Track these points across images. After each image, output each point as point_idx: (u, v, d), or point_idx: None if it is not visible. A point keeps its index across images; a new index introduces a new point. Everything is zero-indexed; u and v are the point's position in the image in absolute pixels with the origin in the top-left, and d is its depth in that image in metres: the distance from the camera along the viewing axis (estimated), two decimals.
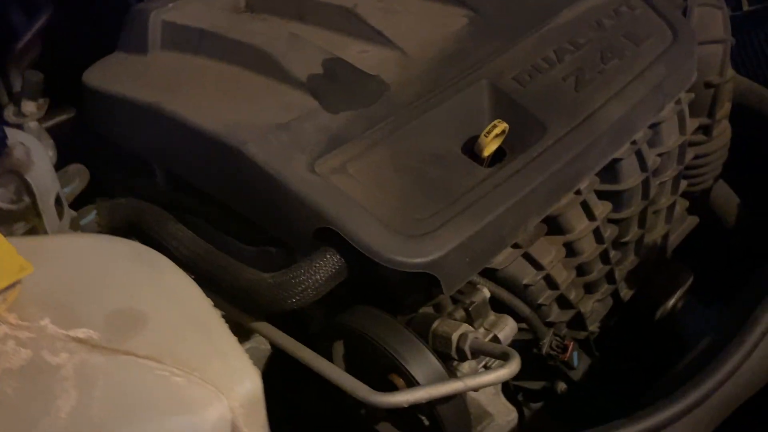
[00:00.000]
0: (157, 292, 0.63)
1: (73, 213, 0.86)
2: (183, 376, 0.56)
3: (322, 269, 0.69)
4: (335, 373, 0.68)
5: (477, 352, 0.70)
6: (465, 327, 0.71)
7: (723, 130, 1.15)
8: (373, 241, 0.67)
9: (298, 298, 0.69)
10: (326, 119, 0.77)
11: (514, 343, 0.89)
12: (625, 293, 1.01)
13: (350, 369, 0.79)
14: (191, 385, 0.56)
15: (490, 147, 0.80)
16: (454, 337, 0.71)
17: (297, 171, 0.72)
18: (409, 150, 0.78)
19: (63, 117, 0.99)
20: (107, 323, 0.59)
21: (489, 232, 0.73)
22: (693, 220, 1.12)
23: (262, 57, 0.83)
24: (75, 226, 0.86)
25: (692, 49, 0.98)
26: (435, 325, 0.73)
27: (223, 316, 0.79)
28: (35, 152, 0.74)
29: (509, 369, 0.64)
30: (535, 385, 0.92)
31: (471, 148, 0.81)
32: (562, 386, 0.90)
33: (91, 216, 0.88)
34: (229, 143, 0.74)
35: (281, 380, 0.87)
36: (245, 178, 0.74)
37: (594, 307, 0.96)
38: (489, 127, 0.80)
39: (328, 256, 0.69)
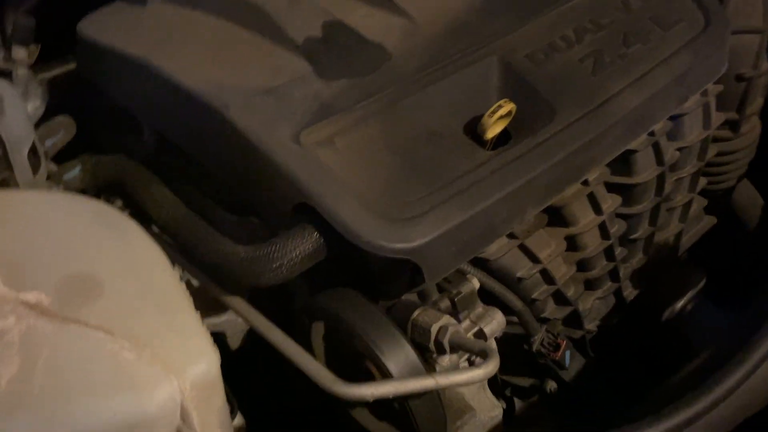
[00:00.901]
0: (118, 259, 0.59)
1: (54, 167, 0.83)
2: (133, 351, 0.53)
3: (298, 247, 0.65)
4: (302, 358, 0.64)
5: (456, 347, 0.66)
6: (446, 319, 0.67)
7: (752, 127, 1.08)
8: (352, 222, 0.63)
9: (271, 275, 0.65)
10: (318, 86, 0.73)
11: (505, 337, 0.85)
12: (630, 293, 0.96)
13: (329, 351, 0.75)
14: (140, 362, 0.53)
15: (493, 129, 0.75)
16: (434, 328, 0.66)
17: (280, 140, 0.67)
18: (404, 126, 0.73)
19: (62, 69, 0.95)
20: (60, 288, 0.56)
21: (480, 220, 0.68)
22: (710, 221, 1.06)
23: (259, 15, 0.78)
24: (57, 180, 0.83)
25: (724, 37, 0.91)
26: (415, 314, 0.69)
27: (198, 287, 0.76)
28: (9, 101, 0.70)
29: (485, 369, 0.60)
30: (525, 381, 0.88)
31: (474, 129, 0.76)
32: (552, 385, 0.85)
33: (75, 171, 0.84)
34: (211, 104, 0.70)
35: (262, 355, 0.84)
36: (226, 144, 0.70)
37: (594, 305, 0.91)
38: (494, 106, 0.74)
39: (306, 234, 0.65)
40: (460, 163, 0.71)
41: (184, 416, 0.53)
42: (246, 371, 0.85)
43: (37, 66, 0.91)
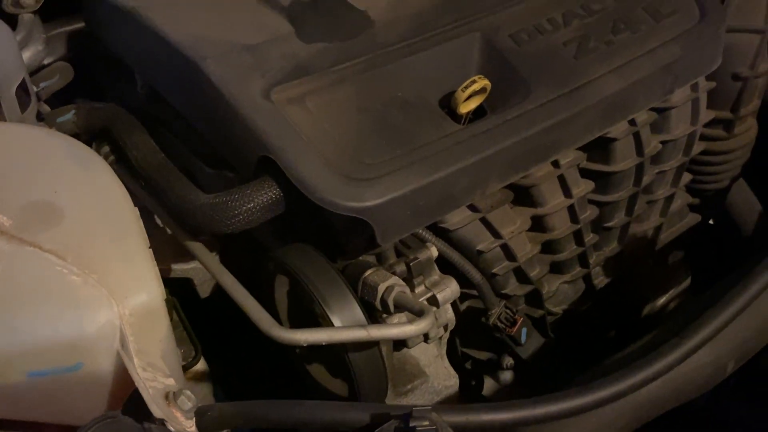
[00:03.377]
0: (80, 191, 0.62)
1: (48, 108, 0.86)
2: (80, 275, 0.56)
3: (257, 198, 0.67)
4: (247, 301, 0.67)
5: (401, 306, 0.68)
6: (394, 279, 0.69)
7: (747, 129, 1.07)
8: (308, 177, 0.65)
9: (228, 223, 0.68)
10: (296, 47, 0.75)
11: (467, 311, 0.87)
12: (601, 280, 0.97)
13: (291, 306, 0.78)
14: (86, 286, 0.56)
15: (467, 104, 0.76)
16: (381, 287, 0.69)
17: (250, 95, 0.70)
18: (377, 93, 0.74)
19: (70, 26, 0.98)
20: (22, 213, 0.59)
21: (438, 188, 0.69)
22: (694, 218, 1.06)
23: None
24: (50, 123, 0.86)
25: (718, 33, 0.90)
26: (367, 273, 0.71)
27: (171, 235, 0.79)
28: (1, 37, 0.73)
29: (416, 326, 0.62)
30: (482, 355, 0.90)
31: (449, 104, 0.77)
32: (508, 361, 0.87)
33: (68, 115, 0.88)
34: (189, 56, 0.72)
35: (230, 307, 0.87)
36: (201, 95, 0.72)
37: (561, 288, 0.92)
38: (467, 81, 0.75)
39: (265, 186, 0.68)
40: (427, 132, 0.73)
41: (123, 341, 0.56)
42: (213, 320, 0.88)
43: (47, 22, 0.94)
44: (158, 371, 0.57)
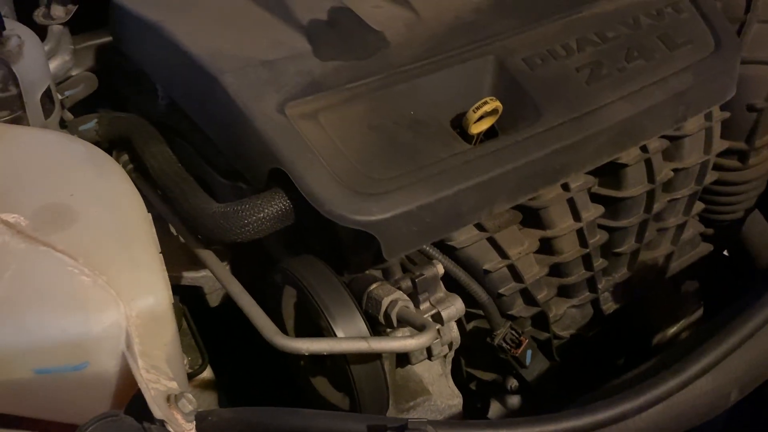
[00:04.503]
0: (96, 195, 0.64)
1: (71, 116, 0.89)
2: (90, 277, 0.58)
3: (267, 208, 0.69)
4: (253, 309, 0.68)
5: (404, 321, 0.69)
6: (398, 294, 0.70)
7: (762, 160, 1.07)
8: (317, 190, 0.67)
9: (238, 232, 0.69)
10: (312, 64, 0.77)
11: (472, 330, 0.87)
12: (609, 306, 0.96)
13: (299, 319, 0.79)
14: (95, 287, 0.57)
15: (478, 125, 0.77)
16: (384, 301, 0.69)
17: (265, 109, 0.71)
18: (389, 111, 0.76)
19: (97, 40, 1.01)
20: (38, 214, 0.61)
21: (445, 206, 0.70)
22: (706, 248, 1.05)
23: None
24: (72, 130, 0.89)
25: (733, 64, 0.91)
26: (372, 287, 0.72)
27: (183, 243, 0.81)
28: (29, 46, 0.76)
29: (417, 341, 0.63)
30: (487, 376, 0.90)
31: (461, 124, 0.78)
32: (512, 382, 0.87)
33: (90, 124, 0.91)
34: (209, 70, 0.74)
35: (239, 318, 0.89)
36: (218, 108, 0.74)
37: (568, 312, 0.92)
38: (479, 102, 0.77)
39: (276, 197, 0.69)
40: (437, 151, 0.74)
41: (128, 342, 0.57)
42: (220, 330, 0.89)
43: (75, 35, 0.98)
44: (162, 374, 0.58)
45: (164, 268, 0.62)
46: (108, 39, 0.99)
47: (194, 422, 0.57)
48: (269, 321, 0.67)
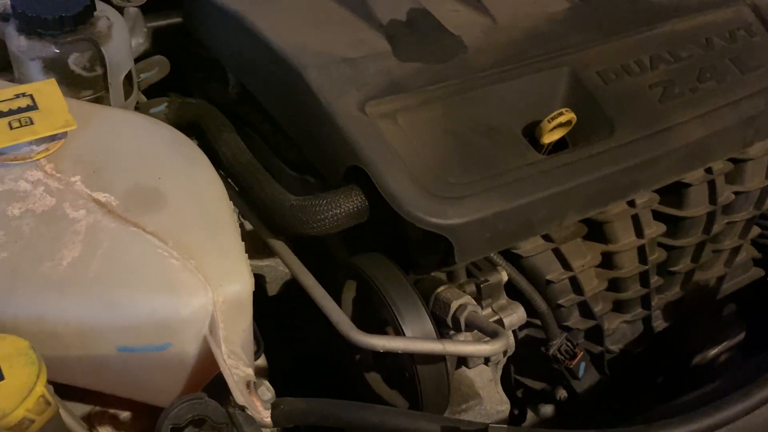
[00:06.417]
0: (183, 180, 0.65)
1: (144, 98, 0.90)
2: (180, 260, 0.59)
3: (344, 204, 0.70)
4: (328, 303, 0.69)
5: (471, 326, 0.69)
6: (467, 299, 0.70)
7: None
8: (397, 190, 0.68)
9: (314, 225, 0.70)
10: (392, 64, 0.77)
11: (526, 339, 0.87)
12: (659, 324, 0.97)
13: (356, 312, 0.80)
14: (184, 271, 0.59)
15: (550, 135, 0.78)
16: (454, 305, 0.70)
17: (346, 106, 0.72)
18: (465, 116, 0.77)
19: (168, 21, 1.02)
20: (128, 195, 0.63)
21: (518, 215, 0.71)
22: (757, 272, 1.05)
23: None
24: (144, 112, 0.90)
25: None
26: (440, 289, 0.72)
27: (249, 231, 0.82)
28: (117, 28, 0.78)
29: (491, 347, 0.63)
30: (536, 385, 0.90)
31: (533, 132, 0.79)
32: (562, 393, 0.87)
33: (161, 107, 0.92)
34: (292, 64, 0.75)
35: (293, 309, 0.90)
36: (298, 102, 0.75)
37: (620, 327, 0.93)
38: (554, 113, 0.77)
39: (353, 194, 0.70)
40: (511, 159, 0.75)
41: (212, 327, 0.58)
42: (279, 320, 0.90)
43: (146, 14, 0.99)
44: (240, 360, 0.59)
45: (247, 256, 0.63)
46: (172, 21, 1.00)
47: (270, 410, 0.58)
48: (344, 315, 0.68)
